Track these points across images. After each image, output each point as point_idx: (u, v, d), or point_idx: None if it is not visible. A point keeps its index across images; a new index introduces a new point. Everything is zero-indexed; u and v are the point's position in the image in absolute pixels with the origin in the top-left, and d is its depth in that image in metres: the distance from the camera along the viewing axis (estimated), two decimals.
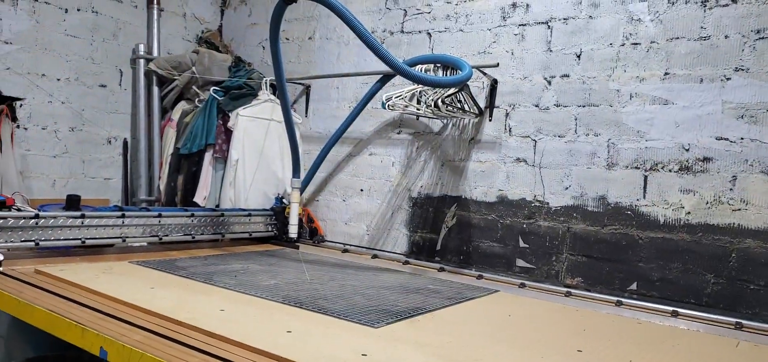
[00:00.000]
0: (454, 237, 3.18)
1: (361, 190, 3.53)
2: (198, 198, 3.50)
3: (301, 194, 3.34)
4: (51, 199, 3.28)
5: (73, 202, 3.02)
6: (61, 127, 3.55)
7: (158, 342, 1.54)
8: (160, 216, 2.87)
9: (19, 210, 2.46)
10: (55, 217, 2.52)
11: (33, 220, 2.43)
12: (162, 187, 3.66)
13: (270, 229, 3.43)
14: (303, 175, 3.43)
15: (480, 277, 2.82)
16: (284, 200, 3.56)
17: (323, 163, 3.53)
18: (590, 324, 2.11)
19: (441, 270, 2.93)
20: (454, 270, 2.94)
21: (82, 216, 2.60)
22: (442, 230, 3.21)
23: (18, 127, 3.32)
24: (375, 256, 3.20)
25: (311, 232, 3.53)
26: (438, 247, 3.22)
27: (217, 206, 3.52)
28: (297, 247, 3.30)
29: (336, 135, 3.43)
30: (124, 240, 2.73)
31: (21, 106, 3.34)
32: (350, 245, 3.39)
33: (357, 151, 3.56)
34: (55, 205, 3.15)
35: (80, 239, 2.58)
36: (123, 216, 2.73)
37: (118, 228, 2.72)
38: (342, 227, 3.61)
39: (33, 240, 2.43)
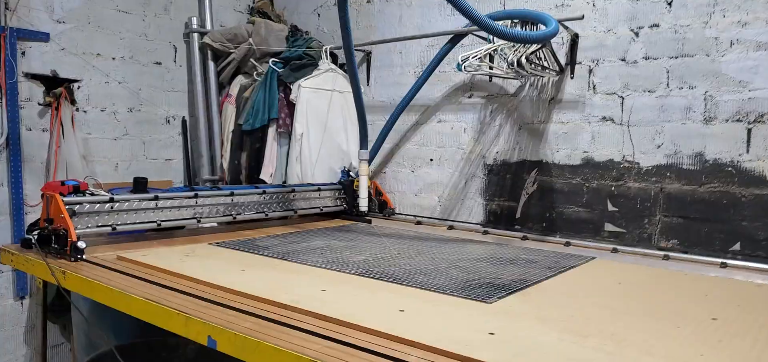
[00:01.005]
0: (535, 204, 3.00)
1: (431, 160, 3.37)
2: (264, 175, 3.39)
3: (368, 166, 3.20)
4: (116, 183, 3.22)
5: (140, 185, 2.93)
6: (120, 108, 3.47)
7: (270, 328, 1.42)
8: (232, 194, 2.77)
9: (92, 194, 2.38)
10: (129, 200, 2.43)
11: (108, 205, 2.35)
12: (225, 166, 3.57)
13: (339, 203, 3.31)
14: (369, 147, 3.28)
15: (568, 244, 2.65)
16: (351, 173, 3.42)
17: (389, 133, 3.37)
18: (707, 288, 1.93)
19: (524, 238, 2.77)
20: (539, 238, 2.77)
21: (156, 198, 2.51)
22: (521, 197, 3.03)
23: (77, 110, 3.25)
24: (451, 227, 3.05)
25: (380, 205, 3.39)
26: (517, 215, 3.05)
27: (284, 183, 3.41)
28: (369, 221, 3.17)
29: (403, 103, 3.27)
30: (198, 222, 2.64)
31: (79, 88, 3.26)
32: (423, 217, 3.25)
33: (424, 119, 3.40)
34: (122, 189, 3.07)
35: (155, 221, 2.50)
36: (196, 196, 2.63)
37: (191, 208, 2.62)
38: (412, 199, 3.46)
39: (109, 225, 2.35)
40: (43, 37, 3.11)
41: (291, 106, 3.40)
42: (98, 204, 2.32)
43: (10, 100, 2.96)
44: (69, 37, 3.23)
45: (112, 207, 2.36)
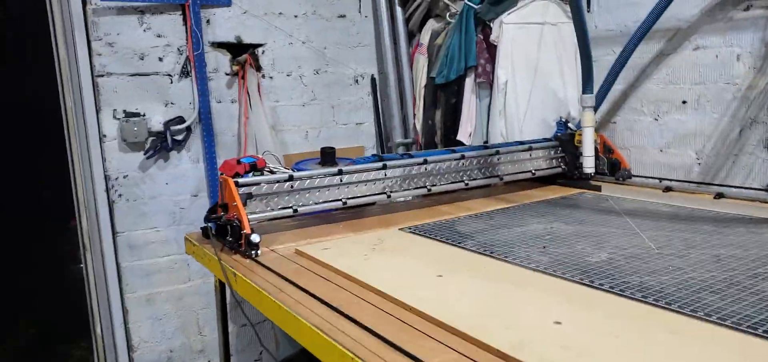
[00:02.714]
0: None
1: (684, 102, 2.51)
2: (462, 136, 2.86)
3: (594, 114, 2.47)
4: (305, 154, 2.97)
5: (328, 156, 2.62)
6: (306, 71, 3.20)
7: None
8: (425, 162, 2.29)
9: (271, 172, 2.09)
10: (310, 177, 2.08)
11: (288, 184, 2.03)
12: (418, 126, 3.12)
13: (556, 164, 2.65)
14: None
15: None
16: (570, 125, 2.73)
17: (621, 71, 2.58)
18: None
19: None
20: None
21: (340, 173, 2.13)
22: None
23: (263, 76, 3.04)
24: (720, 195, 2.20)
25: (611, 165, 2.64)
26: None
27: (486, 142, 2.85)
28: (599, 188, 2.47)
29: (643, 28, 2.45)
30: (388, 196, 2.22)
31: (263, 52, 3.04)
32: (674, 180, 2.44)
33: (672, 48, 2.53)
34: (311, 160, 2.81)
35: (341, 199, 2.13)
36: (384, 167, 2.21)
37: (380, 181, 2.21)
38: (654, 156, 2.65)
39: (290, 207, 2.03)
40: (226, 1, 2.92)
41: (492, 49, 2.79)
42: (276, 184, 2.01)
43: (198, 73, 2.85)
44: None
45: (292, 187, 2.04)
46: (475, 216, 2.09)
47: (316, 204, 2.09)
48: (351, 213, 2.24)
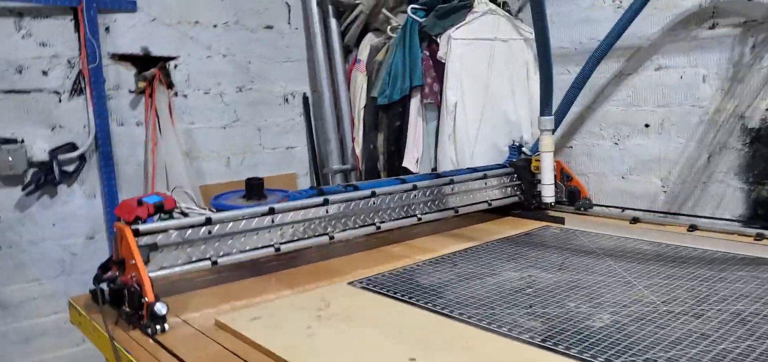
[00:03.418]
0: None
1: (647, 126, 2.33)
2: (408, 162, 2.55)
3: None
4: (227, 185, 2.56)
5: (254, 189, 2.23)
6: (227, 88, 2.79)
7: None
8: (373, 194, 1.95)
9: (184, 214, 1.68)
10: (234, 219, 1.69)
11: (204, 229, 1.62)
12: (358, 151, 2.78)
13: (511, 193, 2.39)
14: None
15: None
16: (524, 150, 2.49)
17: (581, 91, 2.37)
18: None
19: None
20: None
21: (272, 212, 1.74)
22: None
23: (176, 94, 2.60)
24: (693, 227, 2.01)
25: (570, 194, 2.42)
26: None
27: (434, 169, 2.56)
28: (562, 221, 2.22)
29: (603, 47, 2.24)
30: (331, 239, 1.85)
31: (176, 66, 2.60)
32: (640, 209, 2.24)
33: (633, 67, 2.34)
34: (233, 193, 2.40)
35: (273, 244, 1.74)
36: (326, 202, 1.85)
37: (321, 221, 1.85)
38: (615, 183, 2.45)
39: (208, 258, 1.63)
40: (129, 5, 2.47)
41: (439, 67, 2.51)
42: (190, 230, 1.60)
43: (95, 90, 2.37)
44: (161, 4, 2.57)
45: (210, 232, 1.64)
46: (436, 262, 1.76)
47: (242, 252, 1.69)
48: (285, 261, 1.87)
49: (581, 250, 1.83)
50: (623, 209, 2.28)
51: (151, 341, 1.31)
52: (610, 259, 1.71)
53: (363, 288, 1.55)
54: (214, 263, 1.63)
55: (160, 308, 1.34)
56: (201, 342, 1.29)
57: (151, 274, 1.49)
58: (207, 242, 1.63)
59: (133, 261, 1.41)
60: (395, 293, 1.48)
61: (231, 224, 1.67)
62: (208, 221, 1.63)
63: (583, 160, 2.55)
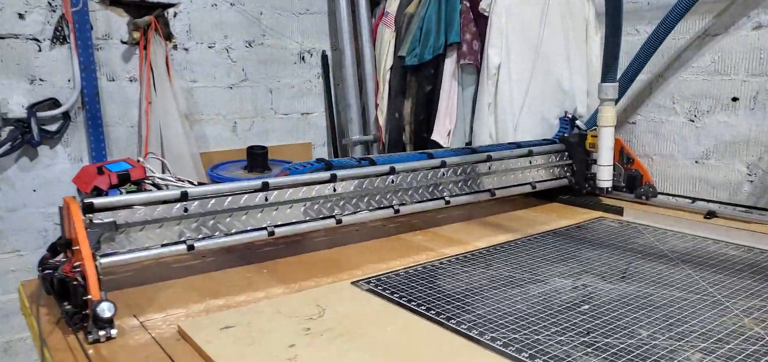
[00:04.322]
0: None
1: (734, 99, 1.90)
2: (438, 135, 2.20)
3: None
4: (232, 153, 2.25)
5: (257, 158, 1.95)
6: (235, 42, 2.46)
7: None
8: (392, 171, 1.61)
9: (155, 186, 1.37)
10: (216, 195, 1.37)
11: (179, 206, 1.31)
12: (381, 120, 2.44)
13: (560, 174, 2.01)
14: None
15: None
16: (578, 123, 2.11)
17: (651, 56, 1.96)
18: None
19: None
20: None
21: (265, 188, 1.42)
22: None
23: (175, 47, 2.29)
24: None
25: (630, 179, 2.03)
26: None
27: (468, 144, 2.20)
28: (621, 211, 1.84)
29: (687, 1, 1.82)
30: (339, 222, 1.53)
31: (175, 15, 2.29)
32: (716, 202, 1.84)
33: (722, 26, 1.91)
34: (235, 164, 2.11)
35: (266, 226, 1.43)
36: (333, 178, 1.52)
37: (327, 201, 1.52)
38: (687, 168, 2.04)
39: (183, 241, 1.32)
40: None
41: (482, 21, 2.13)
42: (161, 208, 1.29)
43: (80, 38, 2.08)
44: None
45: (186, 210, 1.33)
46: (465, 259, 1.42)
47: (227, 235, 1.38)
48: (284, 247, 1.55)
49: (648, 252, 1.45)
50: (694, 200, 1.89)
51: (91, 349, 1.01)
52: (687, 267, 1.33)
53: (370, 290, 1.22)
54: (191, 248, 1.32)
55: (104, 309, 1.03)
56: (150, 357, 0.99)
57: (106, 261, 1.20)
58: (182, 222, 1.33)
59: (77, 247, 1.11)
60: (409, 300, 1.15)
61: (213, 201, 1.36)
62: (184, 196, 1.32)
63: (647, 139, 2.14)
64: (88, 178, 1.30)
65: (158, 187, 1.37)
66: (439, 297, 1.16)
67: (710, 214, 1.77)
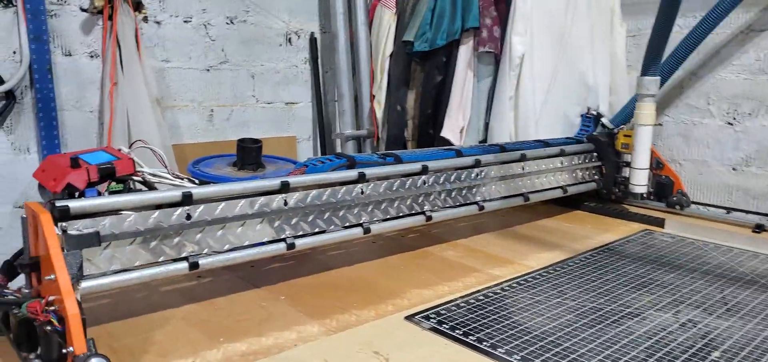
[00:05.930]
0: None
1: None
2: (449, 131, 1.96)
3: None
4: (208, 146, 1.94)
5: (249, 154, 1.66)
6: (214, 18, 2.14)
7: None
8: (424, 170, 1.36)
9: (147, 185, 1.06)
10: (229, 196, 1.08)
11: (182, 211, 1.01)
12: (379, 114, 2.18)
13: (588, 177, 1.82)
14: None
15: None
16: (604, 121, 1.93)
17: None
18: None
19: None
20: None
21: (285, 190, 1.14)
22: None
23: (145, 19, 1.94)
24: None
25: (660, 186, 1.86)
26: None
27: (483, 142, 1.97)
28: (661, 223, 1.66)
29: None
30: (367, 231, 1.26)
31: None
32: (755, 213, 1.70)
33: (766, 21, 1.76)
34: (219, 159, 1.80)
35: (284, 238, 1.14)
36: (361, 178, 1.25)
37: (355, 209, 1.25)
38: (723, 175, 1.89)
39: (184, 257, 1.02)
40: None
41: (502, 6, 1.90)
42: (157, 214, 0.99)
43: (30, 2, 1.70)
44: None
45: (189, 216, 1.03)
46: (527, 284, 1.18)
47: (234, 250, 1.09)
48: (289, 265, 1.28)
49: (731, 275, 1.26)
50: (729, 210, 1.74)
51: None
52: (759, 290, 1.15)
53: (433, 329, 0.96)
54: (194, 266, 1.03)
55: None
56: None
57: (87, 285, 0.89)
58: (184, 232, 1.03)
59: (53, 276, 0.79)
60: (494, 346, 0.90)
61: (222, 205, 1.06)
62: (188, 198, 1.02)
63: (675, 143, 1.99)
64: (57, 172, 0.97)
65: (151, 187, 1.07)
66: (527, 339, 0.92)
67: (759, 228, 1.62)
